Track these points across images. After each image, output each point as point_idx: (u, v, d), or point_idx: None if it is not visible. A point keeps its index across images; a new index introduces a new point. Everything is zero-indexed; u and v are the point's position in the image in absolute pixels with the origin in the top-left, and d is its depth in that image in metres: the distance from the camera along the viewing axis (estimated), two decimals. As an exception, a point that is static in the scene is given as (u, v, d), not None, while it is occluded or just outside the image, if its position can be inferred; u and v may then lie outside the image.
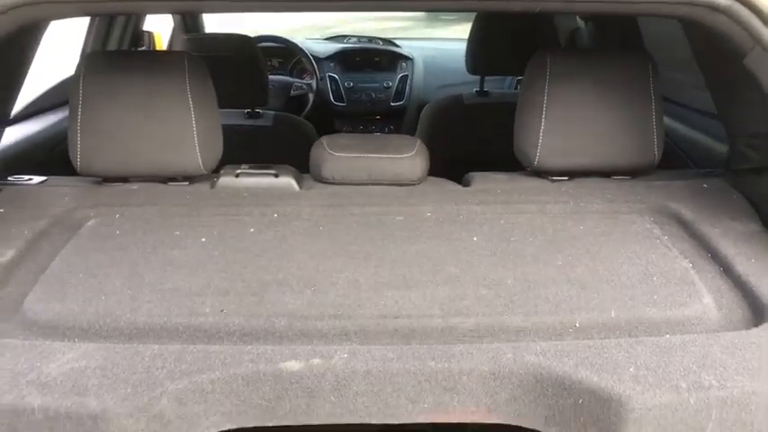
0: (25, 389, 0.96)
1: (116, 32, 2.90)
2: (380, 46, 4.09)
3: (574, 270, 1.29)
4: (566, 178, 1.70)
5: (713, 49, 1.58)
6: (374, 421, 1.02)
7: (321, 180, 1.70)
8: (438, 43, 4.45)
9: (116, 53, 2.67)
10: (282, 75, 3.77)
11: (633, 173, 1.72)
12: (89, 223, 1.48)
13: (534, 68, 1.69)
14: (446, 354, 1.04)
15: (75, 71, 1.66)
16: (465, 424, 1.05)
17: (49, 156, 2.25)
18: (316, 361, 1.02)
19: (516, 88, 3.23)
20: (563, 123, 1.66)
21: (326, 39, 4.32)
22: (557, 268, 1.29)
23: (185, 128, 1.61)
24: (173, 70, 1.63)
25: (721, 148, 1.94)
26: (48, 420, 0.94)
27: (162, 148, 1.62)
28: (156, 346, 1.05)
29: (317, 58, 3.81)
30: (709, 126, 2.18)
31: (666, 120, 1.81)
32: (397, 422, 1.03)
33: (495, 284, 1.24)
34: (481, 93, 2.86)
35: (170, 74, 1.63)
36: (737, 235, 1.41)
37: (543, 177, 1.71)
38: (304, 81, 3.77)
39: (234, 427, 1.02)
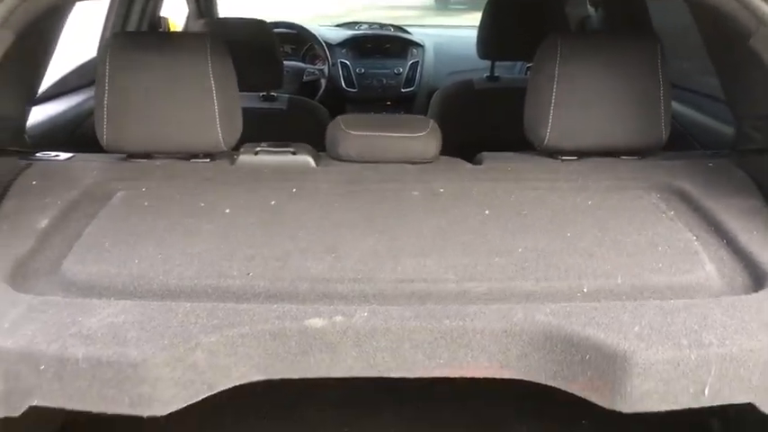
0: (69, 340, 1.03)
1: (134, 17, 2.95)
2: (391, 33, 4.12)
3: (582, 240, 1.34)
4: (574, 158, 1.75)
5: (719, 30, 1.62)
6: (392, 375, 1.09)
7: (337, 158, 1.75)
8: (448, 30, 4.48)
9: (141, 34, 2.74)
10: (295, 61, 3.81)
11: (641, 153, 1.76)
12: (118, 195, 1.54)
13: (545, 51, 1.74)
14: (460, 313, 1.11)
15: (102, 51, 1.72)
16: (477, 381, 1.11)
17: (71, 137, 2.31)
18: (338, 318, 1.09)
19: (526, 74, 3.26)
20: (572, 104, 1.71)
21: (338, 25, 4.36)
22: (565, 239, 1.35)
23: (207, 106, 1.67)
24: (195, 51, 1.69)
25: (730, 132, 1.98)
26: (91, 368, 1.01)
27: (185, 125, 1.68)
28: (189, 304, 1.12)
29: (329, 45, 3.85)
30: (718, 111, 2.21)
31: (676, 104, 1.85)
32: (413, 376, 1.09)
33: (506, 253, 1.29)
34: (492, 78, 2.89)
35: (193, 55, 1.69)
36: (741, 210, 1.45)
37: (553, 157, 1.76)
38: (316, 67, 3.81)
39: (262, 378, 1.09)
